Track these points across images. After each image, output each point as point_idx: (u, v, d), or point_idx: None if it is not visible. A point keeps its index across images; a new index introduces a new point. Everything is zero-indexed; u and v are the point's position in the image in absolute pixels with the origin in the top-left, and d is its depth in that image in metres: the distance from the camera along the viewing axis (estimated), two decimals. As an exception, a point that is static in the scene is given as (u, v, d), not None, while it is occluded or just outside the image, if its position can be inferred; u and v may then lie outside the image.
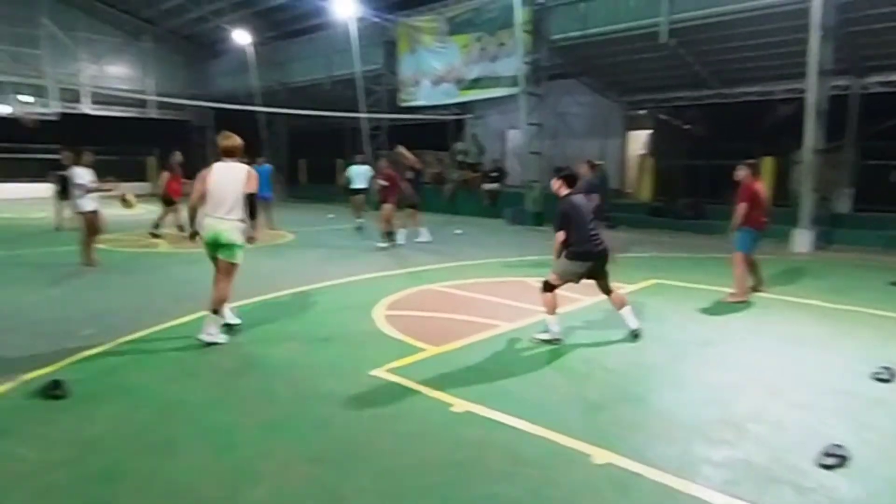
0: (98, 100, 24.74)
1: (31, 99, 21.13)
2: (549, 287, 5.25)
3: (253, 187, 5.05)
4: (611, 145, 18.27)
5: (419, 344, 5.10)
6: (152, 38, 25.69)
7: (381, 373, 4.41)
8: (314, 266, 8.98)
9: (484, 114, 20.44)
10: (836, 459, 3.12)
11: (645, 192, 17.18)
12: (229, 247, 5.04)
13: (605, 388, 4.26)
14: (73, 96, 23.90)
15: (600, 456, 3.21)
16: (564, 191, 5.32)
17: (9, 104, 20.65)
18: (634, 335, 5.32)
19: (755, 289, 7.22)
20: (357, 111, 21.00)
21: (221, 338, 5.11)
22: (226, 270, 5.11)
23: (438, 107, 18.95)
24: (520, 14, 14.50)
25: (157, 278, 8.06)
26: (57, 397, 3.87)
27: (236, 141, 5.15)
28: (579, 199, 5.34)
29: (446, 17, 17.03)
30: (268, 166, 13.14)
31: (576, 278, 5.30)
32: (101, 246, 9.16)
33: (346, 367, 4.55)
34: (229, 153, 5.12)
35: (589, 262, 5.22)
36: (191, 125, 27.39)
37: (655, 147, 17.43)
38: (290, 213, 16.70)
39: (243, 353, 4.95)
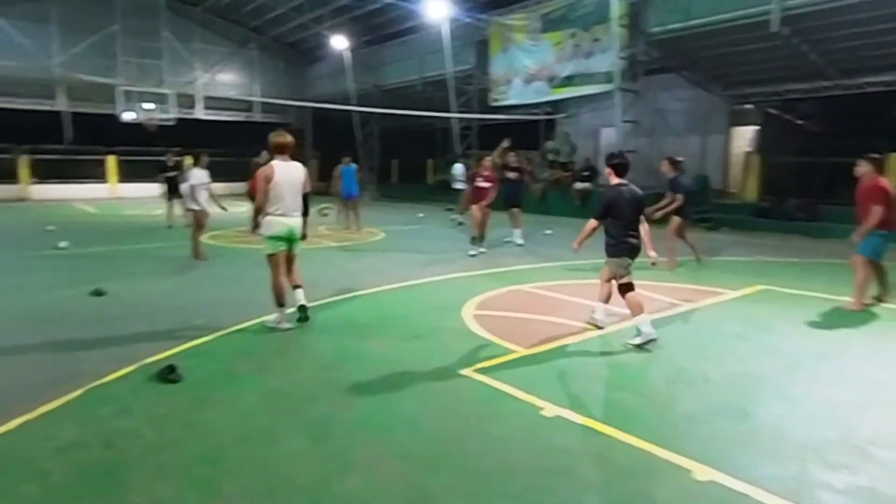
0: (209, 105, 26.64)
1: (152, 106, 23.06)
2: (625, 288, 5.17)
3: (308, 187, 5.58)
4: (712, 142, 17.30)
5: (509, 345, 5.05)
6: (258, 47, 27.31)
7: (470, 372, 4.41)
8: (404, 265, 9.16)
9: (576, 112, 20.01)
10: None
11: (750, 192, 16.12)
12: (297, 240, 5.60)
13: (706, 400, 4.01)
14: (188, 102, 25.86)
15: (701, 472, 3.02)
16: (615, 179, 5.21)
17: (134, 111, 22.65)
18: (640, 345, 4.97)
19: (880, 298, 6.55)
20: (448, 111, 21.32)
21: (287, 325, 5.50)
22: (294, 259, 5.67)
23: (529, 105, 18.76)
24: (616, 8, 14.04)
25: (257, 273, 8.52)
26: (172, 381, 4.19)
27: (289, 138, 5.46)
28: (629, 191, 5.18)
29: (539, 14, 16.81)
30: (353, 165, 13.51)
31: (628, 270, 5.22)
32: (208, 241, 9.83)
33: (436, 366, 4.58)
34: (282, 149, 5.41)
35: (634, 255, 5.20)
36: (292, 128, 28.83)
37: (763, 144, 16.31)
38: (381, 213, 17.18)
39: (338, 346, 5.12)
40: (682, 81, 16.69)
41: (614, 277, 5.27)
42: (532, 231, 13.72)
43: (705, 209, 15.46)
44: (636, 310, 5.06)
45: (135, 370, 4.42)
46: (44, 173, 23.59)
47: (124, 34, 23.41)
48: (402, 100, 22.11)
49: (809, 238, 12.66)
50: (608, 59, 15.02)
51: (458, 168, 14.65)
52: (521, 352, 4.90)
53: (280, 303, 5.46)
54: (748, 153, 16.40)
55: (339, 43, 22.64)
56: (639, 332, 5.02)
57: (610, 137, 20.90)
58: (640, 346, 4.97)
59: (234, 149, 27.36)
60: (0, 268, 8.58)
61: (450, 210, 16.06)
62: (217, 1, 24.56)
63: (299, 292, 5.67)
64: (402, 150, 27.41)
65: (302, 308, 5.63)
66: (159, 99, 23.44)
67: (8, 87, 22.29)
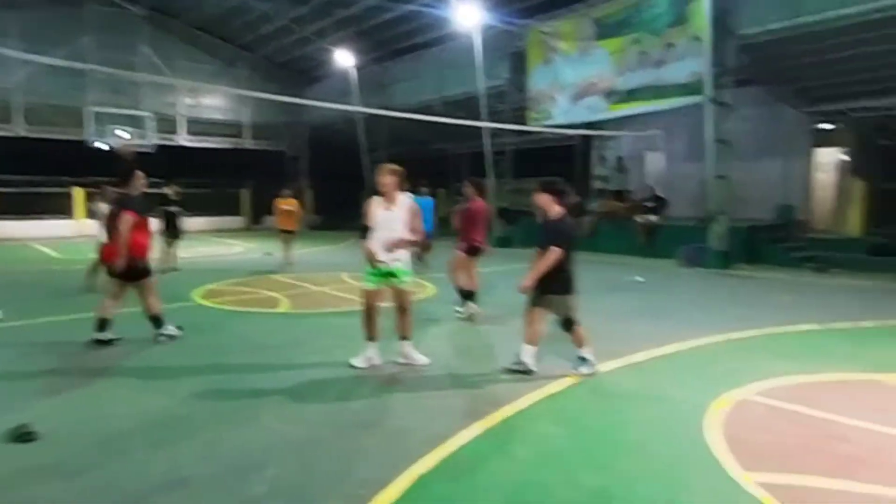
0: (194, 130, 23.65)
1: (127, 135, 20.04)
2: (573, 323, 4.91)
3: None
4: (793, 167, 14.84)
5: None
6: (248, 66, 24.43)
7: None
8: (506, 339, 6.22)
9: (613, 135, 17.47)
10: None
11: (852, 225, 13.60)
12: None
13: None
14: (169, 127, 22.85)
15: None
16: (557, 208, 4.87)
17: (107, 138, 19.60)
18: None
19: None
20: (464, 135, 18.64)
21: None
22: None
23: (566, 126, 16.08)
24: (708, 5, 11.55)
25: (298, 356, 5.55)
26: None
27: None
28: (571, 221, 4.98)
29: (592, 19, 14.32)
30: (431, 198, 10.87)
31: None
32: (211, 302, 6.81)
33: None
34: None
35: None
36: (287, 155, 25.94)
37: (864, 166, 13.82)
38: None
39: None
40: (747, 97, 14.17)
41: (567, 316, 4.90)
42: (610, 277, 10.94)
43: (801, 245, 12.91)
44: (585, 342, 4.92)
45: None
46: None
47: (96, 48, 20.36)
48: (416, 123, 19.34)
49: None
50: (686, 68, 12.51)
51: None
52: None
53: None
54: (845, 178, 13.94)
55: (344, 59, 19.93)
56: (585, 362, 4.91)
57: (656, 163, 18.46)
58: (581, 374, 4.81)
59: (221, 178, 24.38)
60: None
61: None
62: (201, 13, 21.74)
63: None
64: (410, 178, 24.56)
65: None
66: (136, 123, 20.41)
67: (-44, 110, 19.05)
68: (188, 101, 23.67)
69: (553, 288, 4.83)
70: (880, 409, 4.21)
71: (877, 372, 5.05)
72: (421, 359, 5.26)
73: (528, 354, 4.91)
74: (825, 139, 14.67)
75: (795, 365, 5.26)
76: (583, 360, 4.96)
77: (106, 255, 6.24)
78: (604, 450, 3.62)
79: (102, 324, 5.84)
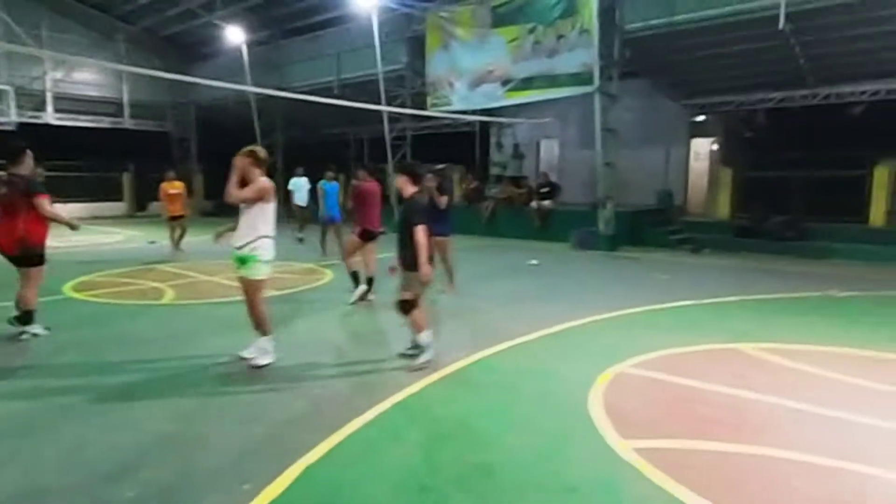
0: (63, 108, 21.51)
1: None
2: (413, 305, 4.82)
3: None
4: (672, 155, 15.95)
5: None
6: (127, 39, 22.51)
7: None
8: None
9: (512, 122, 17.90)
10: None
11: (722, 209, 14.86)
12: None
13: None
14: (35, 103, 20.65)
15: None
16: (411, 188, 4.96)
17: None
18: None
19: None
20: (363, 119, 18.35)
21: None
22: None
23: (464, 112, 16.25)
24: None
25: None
26: None
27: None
28: (424, 200, 5.15)
29: (489, 7, 14.49)
30: (336, 183, 10.68)
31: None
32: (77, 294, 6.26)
33: None
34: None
35: None
36: (172, 136, 24.28)
37: (731, 156, 15.11)
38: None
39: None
40: (631, 89, 15.03)
41: (415, 295, 4.83)
42: (508, 260, 11.28)
43: (679, 228, 13.95)
44: (422, 327, 4.86)
45: None
46: None
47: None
48: (312, 105, 18.75)
49: (809, 260, 11.35)
50: (577, 59, 13.00)
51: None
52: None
53: (268, 330, 4.83)
54: (715, 166, 15.18)
55: (235, 35, 18.88)
56: (420, 349, 4.84)
57: (551, 150, 19.15)
58: (419, 365, 4.73)
59: (97, 161, 22.40)
60: None
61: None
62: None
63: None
64: (308, 164, 23.84)
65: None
66: (-8, 97, 18.29)
67: None
68: (57, 75, 21.47)
69: (408, 264, 4.83)
70: (738, 374, 4.64)
71: (738, 342, 5.55)
72: (264, 359, 4.81)
73: (422, 338, 4.90)
74: (700, 130, 15.88)
75: (669, 338, 5.67)
76: (418, 347, 4.87)
77: (4, 244, 5.52)
78: (492, 427, 3.71)
79: None
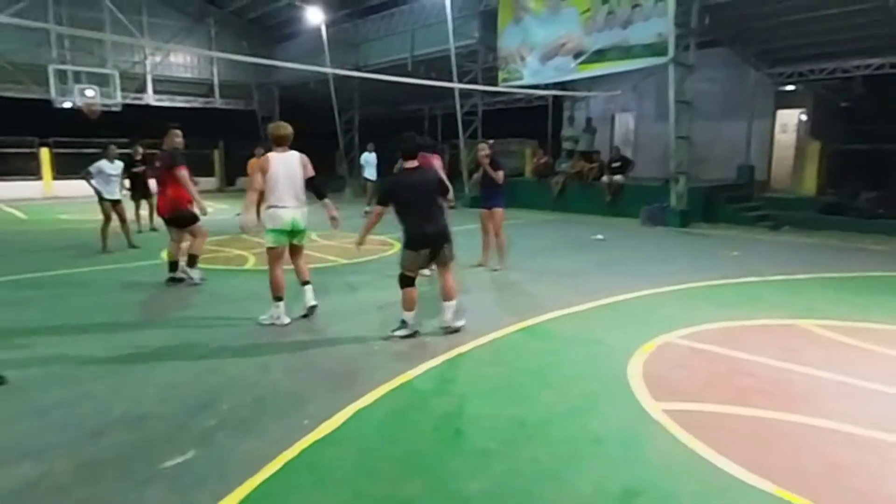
0: (161, 90, 23.19)
1: (93, 92, 19.54)
2: (407, 282, 4.87)
3: (311, 171, 5.28)
4: (754, 128, 15.17)
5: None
6: (216, 22, 23.85)
7: None
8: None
9: (585, 96, 17.57)
10: None
11: (808, 185, 14.08)
12: (303, 232, 5.37)
13: None
14: (136, 86, 22.40)
15: None
16: (408, 163, 4.87)
17: (72, 97, 19.15)
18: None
19: None
20: (437, 95, 18.56)
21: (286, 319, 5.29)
22: (301, 252, 5.48)
23: (538, 86, 16.15)
24: (671, -36, 11.63)
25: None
26: None
27: (287, 130, 5.21)
28: (413, 176, 4.83)
29: (562, -22, 14.27)
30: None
31: (417, 267, 4.92)
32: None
33: None
34: (281, 141, 5.18)
35: (426, 248, 4.80)
36: (257, 115, 25.60)
37: (821, 128, 14.20)
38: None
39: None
40: (712, 59, 14.37)
41: (409, 269, 4.89)
42: (574, 235, 11.31)
43: (758, 205, 13.36)
44: (409, 305, 4.88)
45: None
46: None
47: (58, 4, 19.78)
48: (387, 83, 19.18)
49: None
50: (651, 29, 12.61)
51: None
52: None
53: (278, 296, 5.25)
54: (803, 139, 14.33)
55: (314, 16, 19.57)
56: (404, 325, 4.90)
57: (626, 124, 18.68)
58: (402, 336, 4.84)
59: (191, 139, 24.00)
60: None
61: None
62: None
63: (308, 290, 5.49)
64: (382, 140, 24.48)
65: (312, 308, 5.49)
66: (101, 81, 19.95)
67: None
68: (156, 59, 23.13)
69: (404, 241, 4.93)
70: (789, 348, 4.62)
71: (797, 318, 5.47)
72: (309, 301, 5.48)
73: (406, 316, 4.94)
74: (787, 100, 14.99)
75: (726, 312, 5.67)
76: (402, 322, 4.92)
77: (160, 207, 7.12)
78: (531, 386, 3.97)
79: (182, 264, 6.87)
